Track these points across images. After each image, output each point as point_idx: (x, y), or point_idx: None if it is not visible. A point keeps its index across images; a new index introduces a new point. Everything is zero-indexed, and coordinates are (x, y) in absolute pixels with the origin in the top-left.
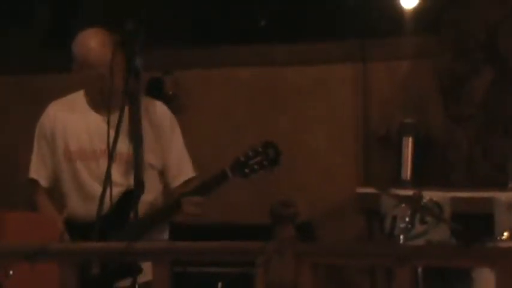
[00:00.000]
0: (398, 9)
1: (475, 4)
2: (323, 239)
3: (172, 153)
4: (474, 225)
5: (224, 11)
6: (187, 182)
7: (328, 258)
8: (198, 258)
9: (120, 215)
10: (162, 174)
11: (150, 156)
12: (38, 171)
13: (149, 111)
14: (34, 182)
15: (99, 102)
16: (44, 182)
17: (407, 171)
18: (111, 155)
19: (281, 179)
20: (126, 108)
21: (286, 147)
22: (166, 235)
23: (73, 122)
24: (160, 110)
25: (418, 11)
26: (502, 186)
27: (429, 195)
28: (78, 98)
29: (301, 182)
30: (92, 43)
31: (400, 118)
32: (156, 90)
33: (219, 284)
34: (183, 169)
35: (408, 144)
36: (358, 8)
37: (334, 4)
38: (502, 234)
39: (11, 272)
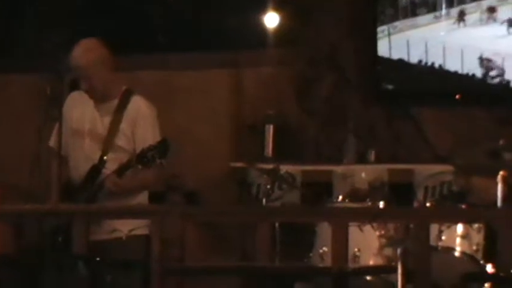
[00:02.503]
0: (264, 27)
1: (321, 25)
2: (204, 203)
3: (139, 140)
4: (318, 191)
5: (129, 27)
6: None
7: (207, 218)
8: (106, 218)
9: (86, 184)
10: None
11: (122, 141)
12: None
13: (130, 105)
14: (51, 149)
15: (93, 96)
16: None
17: (269, 150)
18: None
19: (174, 158)
20: (116, 101)
21: (179, 135)
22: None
23: (78, 108)
24: (138, 103)
25: (278, 29)
26: (339, 162)
27: (285, 168)
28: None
29: (189, 161)
30: (75, 52)
31: (264, 111)
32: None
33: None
34: None
35: (270, 130)
36: (232, 26)
37: (215, 23)
38: (338, 198)
39: None
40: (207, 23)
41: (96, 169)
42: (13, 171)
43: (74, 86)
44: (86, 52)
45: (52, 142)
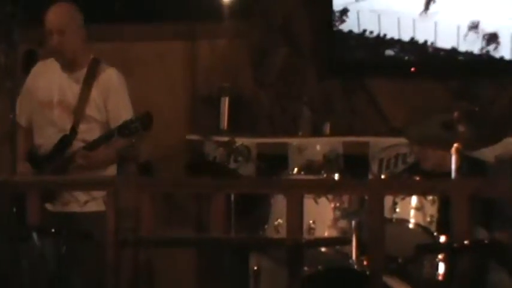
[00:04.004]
0: None
1: None
2: (160, 174)
3: (112, 111)
4: (273, 163)
5: None
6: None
7: (163, 189)
8: (61, 189)
9: (54, 154)
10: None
11: (94, 111)
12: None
13: (100, 75)
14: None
15: (62, 64)
16: (23, 123)
17: (224, 123)
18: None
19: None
20: (85, 70)
21: (134, 106)
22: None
23: (44, 79)
24: (109, 74)
25: (233, 0)
26: (294, 134)
27: (241, 140)
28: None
29: None
30: (52, 13)
31: (219, 83)
32: (32, 61)
33: None
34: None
35: (225, 103)
36: None
37: None
38: (293, 170)
39: None
40: None
41: (67, 140)
42: None
43: (29, 57)
44: (64, 14)
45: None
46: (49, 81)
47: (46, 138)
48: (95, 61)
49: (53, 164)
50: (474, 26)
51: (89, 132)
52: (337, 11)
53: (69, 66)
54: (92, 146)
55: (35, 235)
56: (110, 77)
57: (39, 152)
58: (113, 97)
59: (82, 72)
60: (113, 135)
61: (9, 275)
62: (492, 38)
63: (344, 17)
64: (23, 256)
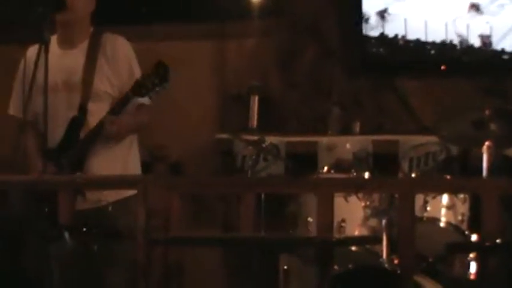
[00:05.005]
0: None
1: None
2: (189, 174)
3: (126, 82)
4: (302, 162)
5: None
6: (139, 108)
7: (193, 189)
8: (92, 189)
9: (67, 141)
10: None
11: (104, 83)
12: (17, 109)
13: (107, 45)
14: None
15: (63, 38)
16: (28, 116)
17: (253, 121)
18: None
19: (158, 129)
20: (87, 42)
21: (163, 106)
22: (131, 164)
23: (42, 62)
24: (116, 43)
25: (262, 0)
26: (324, 133)
27: (270, 139)
28: (53, 39)
29: (174, 131)
30: None
31: (248, 82)
32: None
33: None
34: None
35: (254, 101)
36: None
37: None
38: (323, 169)
39: None
40: None
41: (78, 121)
42: None
43: None
44: None
45: (12, 109)
46: (49, 64)
47: (56, 128)
48: (97, 31)
49: (68, 153)
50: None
51: (101, 110)
52: (366, 12)
53: (70, 37)
54: (114, 110)
55: (66, 234)
56: (115, 42)
57: (50, 144)
58: (123, 64)
59: (84, 45)
60: (128, 97)
61: (41, 275)
62: None
63: (372, 18)
64: (54, 256)
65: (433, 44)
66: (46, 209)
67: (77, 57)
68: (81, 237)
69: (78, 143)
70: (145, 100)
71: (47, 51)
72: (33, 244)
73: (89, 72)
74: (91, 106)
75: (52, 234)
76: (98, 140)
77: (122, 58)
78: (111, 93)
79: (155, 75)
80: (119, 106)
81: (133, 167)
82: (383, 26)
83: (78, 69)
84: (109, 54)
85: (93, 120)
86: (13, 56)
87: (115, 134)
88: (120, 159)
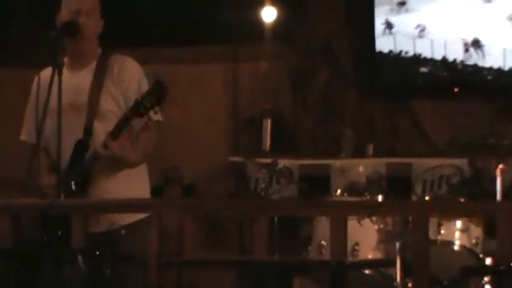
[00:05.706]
0: (260, 21)
1: (317, 19)
2: (202, 196)
3: (132, 100)
4: (316, 185)
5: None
6: (145, 127)
7: (206, 211)
8: (104, 212)
9: (75, 161)
10: None
11: (110, 104)
12: (29, 133)
13: (115, 66)
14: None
15: (72, 60)
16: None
17: (266, 144)
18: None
19: (172, 151)
20: (94, 65)
21: (176, 129)
22: (137, 186)
23: (53, 84)
24: (124, 64)
25: (275, 22)
26: (337, 156)
27: (283, 162)
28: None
29: (187, 154)
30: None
31: (261, 105)
32: None
33: None
34: None
35: (267, 124)
36: (229, 19)
37: (211, 17)
38: (336, 191)
39: None
40: (203, 17)
41: (83, 143)
42: (11, 165)
43: None
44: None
45: (24, 135)
46: (58, 85)
47: (63, 151)
48: (105, 52)
49: (73, 176)
50: None
51: (107, 130)
52: (378, 34)
53: (79, 60)
54: (114, 133)
55: (80, 258)
56: (123, 62)
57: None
58: (130, 84)
59: (92, 66)
60: (127, 118)
61: None
62: None
63: (383, 40)
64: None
65: (444, 63)
66: (59, 233)
67: (84, 79)
68: (94, 261)
69: (83, 164)
70: (158, 116)
71: (60, 73)
72: (47, 268)
73: (95, 92)
74: (97, 126)
75: (65, 258)
76: (101, 161)
77: (130, 78)
78: (117, 113)
79: (152, 94)
80: (118, 128)
81: (140, 189)
82: (395, 46)
83: (85, 90)
84: (116, 75)
85: (99, 140)
86: (25, 80)
87: (113, 157)
88: (124, 181)
